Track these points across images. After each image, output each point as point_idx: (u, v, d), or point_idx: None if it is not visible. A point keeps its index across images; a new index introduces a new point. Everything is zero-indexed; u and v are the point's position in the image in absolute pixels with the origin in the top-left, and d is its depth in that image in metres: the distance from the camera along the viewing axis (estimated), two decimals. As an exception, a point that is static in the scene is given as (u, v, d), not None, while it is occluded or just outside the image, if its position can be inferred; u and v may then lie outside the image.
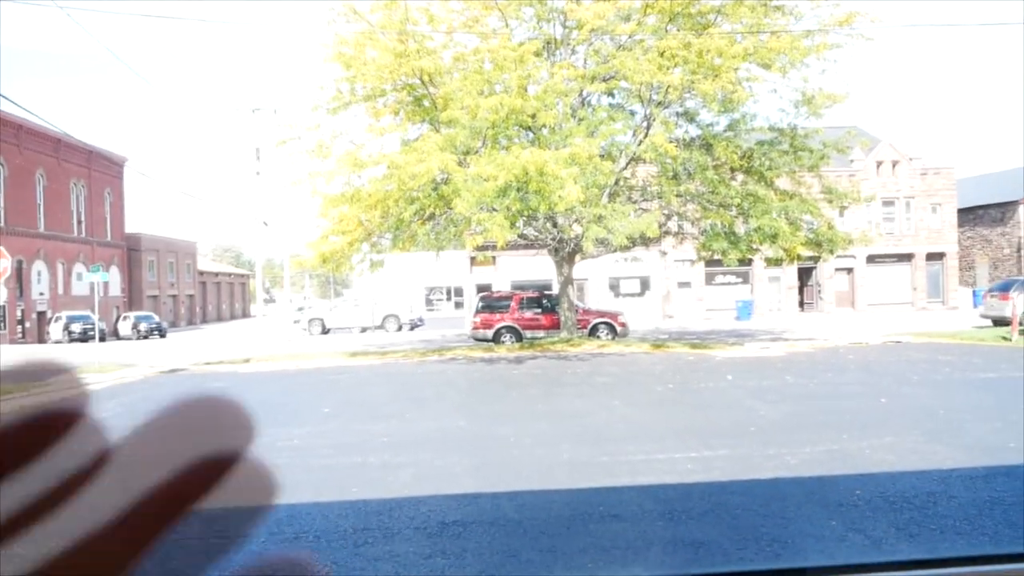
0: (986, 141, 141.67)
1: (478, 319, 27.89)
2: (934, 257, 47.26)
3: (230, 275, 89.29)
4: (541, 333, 26.96)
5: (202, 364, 23.66)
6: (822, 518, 6.07)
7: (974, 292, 45.46)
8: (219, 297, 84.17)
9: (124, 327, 51.12)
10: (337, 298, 49.30)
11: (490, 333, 27.23)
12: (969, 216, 50.77)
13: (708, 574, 5.01)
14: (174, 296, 69.66)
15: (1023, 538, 5.45)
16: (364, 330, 43.18)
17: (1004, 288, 29.76)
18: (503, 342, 26.67)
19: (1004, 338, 22.20)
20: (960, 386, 13.67)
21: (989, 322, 29.24)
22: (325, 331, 43.62)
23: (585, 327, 27.13)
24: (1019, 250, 47.76)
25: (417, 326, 44.59)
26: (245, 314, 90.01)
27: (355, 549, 5.78)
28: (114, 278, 57.84)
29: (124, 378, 20.17)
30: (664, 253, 42.83)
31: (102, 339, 46.94)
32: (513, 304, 27.76)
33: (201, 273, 77.69)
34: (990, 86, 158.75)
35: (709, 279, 45.74)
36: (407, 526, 6.24)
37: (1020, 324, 23.25)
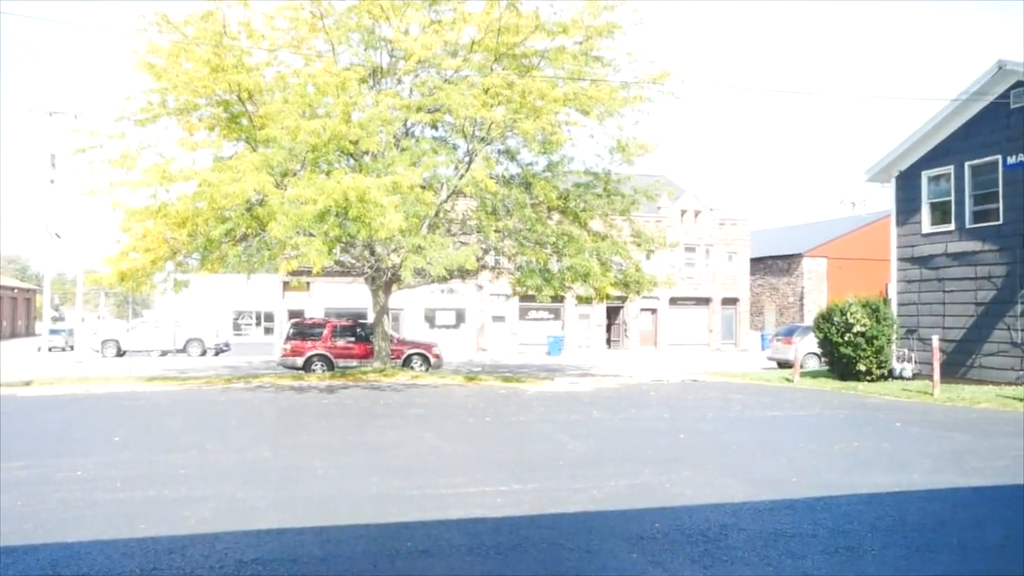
0: (777, 198, 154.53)
1: (288, 346, 27.02)
2: (729, 302, 50.72)
3: (13, 289, 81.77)
4: (354, 362, 26.49)
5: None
6: (624, 551, 6.24)
7: (762, 336, 49.16)
8: (-1, 312, 76.79)
9: None
10: (136, 319, 46.08)
11: (300, 361, 26.45)
12: (760, 265, 54.99)
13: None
14: (-57, 310, 62.91)
15: (802, 568, 5.83)
16: (164, 354, 40.71)
17: (788, 333, 32.36)
18: (314, 370, 25.97)
19: (787, 379, 24.04)
20: (750, 423, 14.61)
21: (775, 364, 31.63)
22: (120, 353, 40.74)
23: (399, 357, 26.92)
24: (802, 299, 52.14)
25: (223, 351, 42.56)
26: (29, 332, 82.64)
27: (141, 592, 5.34)
28: None
29: None
30: (480, 287, 43.38)
31: None
32: (326, 332, 27.13)
33: (-21, 286, 70.69)
34: (783, 148, 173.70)
35: (523, 314, 46.74)
36: (201, 566, 5.85)
37: (801, 366, 25.27)
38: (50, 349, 41.10)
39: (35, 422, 14.69)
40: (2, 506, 7.68)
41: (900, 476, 9.36)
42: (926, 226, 23.24)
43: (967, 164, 22.07)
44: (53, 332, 45.79)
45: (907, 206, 23.81)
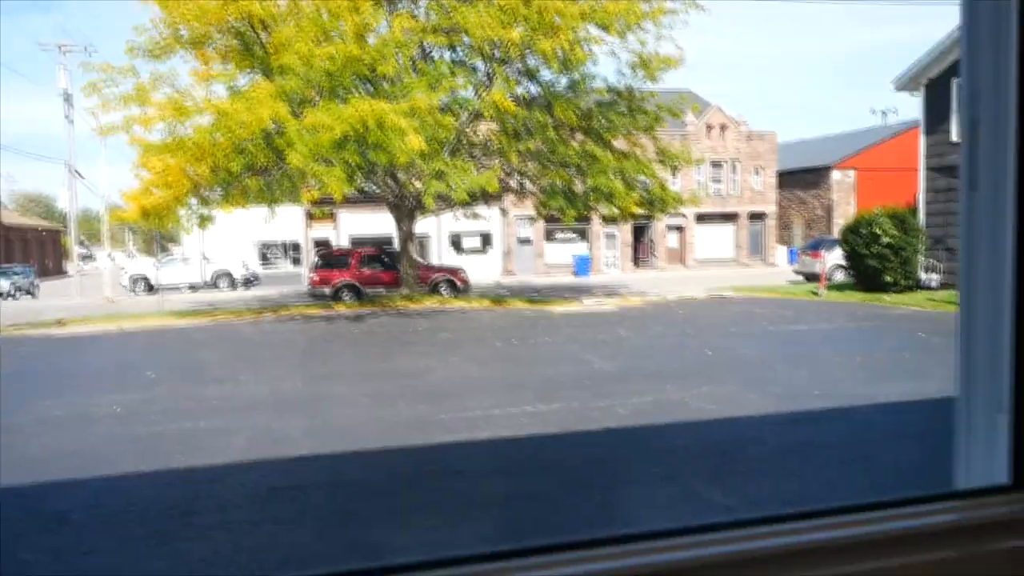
0: (805, 109, 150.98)
1: (316, 276, 27.30)
2: (756, 217, 50.19)
3: (40, 230, 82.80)
4: (382, 290, 26.71)
5: (7, 327, 21.91)
6: (645, 466, 6.39)
7: (790, 250, 48.72)
8: (27, 253, 77.90)
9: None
10: (164, 255, 46.61)
11: (329, 290, 26.71)
12: (788, 179, 54.11)
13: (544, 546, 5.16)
14: (-26, 252, 63.90)
15: (821, 479, 5.95)
16: (194, 288, 41.31)
17: (815, 247, 32.10)
18: (342, 299, 26.25)
19: (814, 293, 23.96)
20: (774, 338, 14.68)
21: (802, 278, 31.48)
22: (151, 290, 41.38)
23: (426, 283, 27.08)
24: (830, 212, 51.49)
25: (252, 283, 43.05)
26: (59, 271, 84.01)
27: (184, 520, 5.58)
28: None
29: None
30: (505, 210, 43.30)
31: None
32: (353, 260, 27.33)
33: (7, 228, 71.61)
34: (809, 59, 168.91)
35: (549, 235, 46.64)
36: (239, 493, 6.08)
37: (827, 280, 25.18)
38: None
39: (71, 361, 15.11)
40: (46, 444, 7.99)
41: (919, 385, 9.40)
42: (955, 135, 22.71)
43: (999, 67, 21.40)
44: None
45: (936, 115, 23.21)
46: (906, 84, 24.06)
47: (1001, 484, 1.23)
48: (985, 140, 1.21)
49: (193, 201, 22.64)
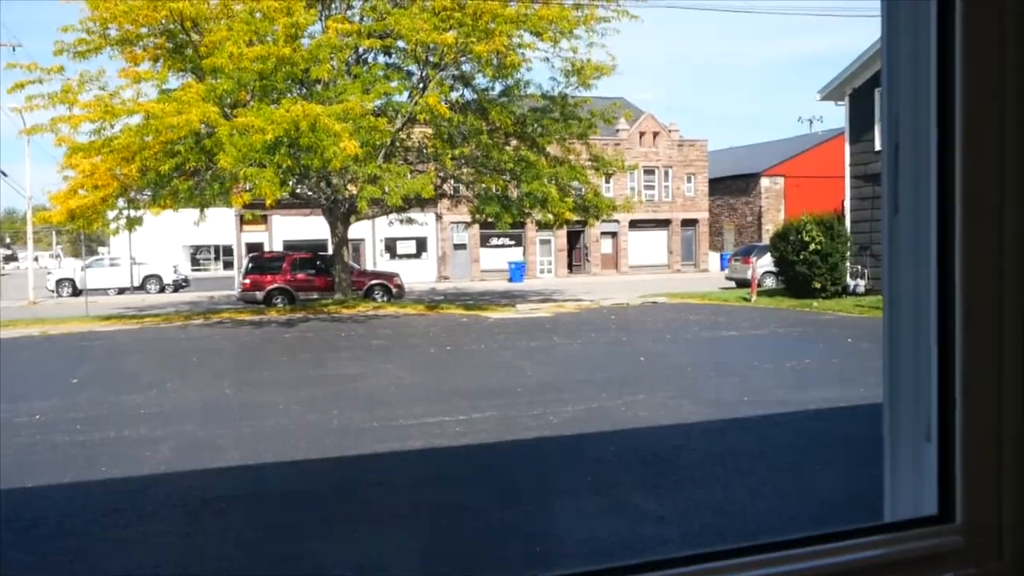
0: (735, 117, 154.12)
1: (248, 280, 26.78)
2: (688, 223, 51.02)
3: (-39, 229, 79.60)
4: (315, 295, 26.34)
5: (-76, 331, 21.01)
6: (578, 476, 6.42)
7: (722, 256, 49.63)
8: (-52, 254, 74.86)
9: None
10: (91, 257, 45.27)
11: (260, 295, 26.23)
12: (719, 186, 55.13)
13: None
14: None
15: (749, 487, 6.04)
16: (122, 291, 40.16)
17: (746, 253, 32.74)
18: (275, 304, 25.82)
19: (744, 299, 24.43)
20: (706, 344, 14.92)
21: (734, 284, 32.07)
22: (76, 293, 40.06)
23: (361, 288, 26.83)
24: (760, 218, 52.64)
25: (182, 287, 42.07)
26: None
27: (104, 532, 5.41)
28: None
29: None
30: (440, 216, 43.20)
31: None
32: (285, 265, 26.90)
33: (-76, 227, 68.68)
34: (742, 67, 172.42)
35: (484, 241, 46.67)
36: (164, 504, 5.92)
37: (758, 285, 25.73)
38: None
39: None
40: (-41, 453, 7.66)
41: (847, 391, 9.66)
42: (879, 143, 23.42)
43: (920, 80, 22.13)
44: None
45: (860, 124, 23.92)
46: (831, 94, 24.76)
47: (929, 515, 1.24)
48: (906, 165, 1.23)
49: (121, 203, 22.07)
